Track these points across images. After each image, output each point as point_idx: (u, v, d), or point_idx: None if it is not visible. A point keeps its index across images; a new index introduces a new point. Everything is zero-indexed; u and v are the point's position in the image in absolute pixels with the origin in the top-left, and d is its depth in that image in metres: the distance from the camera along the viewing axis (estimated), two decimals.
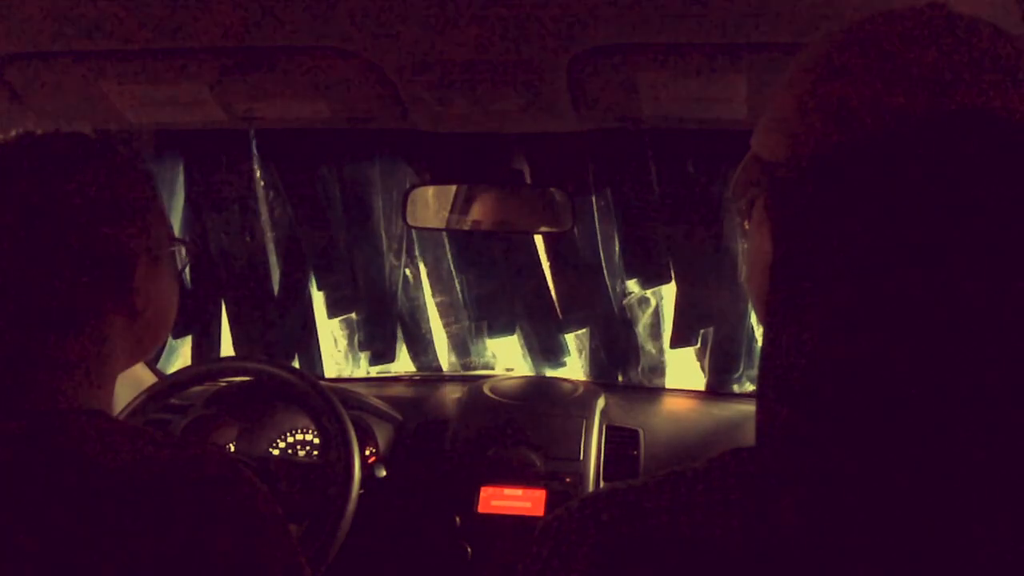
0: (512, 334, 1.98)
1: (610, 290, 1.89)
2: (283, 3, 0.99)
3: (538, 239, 1.91)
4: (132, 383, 1.61)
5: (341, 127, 1.41)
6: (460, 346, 2.03)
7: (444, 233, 1.91)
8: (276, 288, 1.97)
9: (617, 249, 1.87)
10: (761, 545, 0.49)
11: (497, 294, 1.95)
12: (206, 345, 1.99)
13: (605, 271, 1.88)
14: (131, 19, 1.03)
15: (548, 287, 1.93)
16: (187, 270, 1.93)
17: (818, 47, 0.55)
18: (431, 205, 1.66)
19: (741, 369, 1.86)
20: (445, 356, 2.05)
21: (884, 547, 0.46)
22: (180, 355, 2.02)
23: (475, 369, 2.03)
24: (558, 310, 1.93)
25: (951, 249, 0.45)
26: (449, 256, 1.96)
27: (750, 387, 1.86)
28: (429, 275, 1.99)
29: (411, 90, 1.21)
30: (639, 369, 1.92)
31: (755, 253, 0.58)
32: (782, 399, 0.50)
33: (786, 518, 0.49)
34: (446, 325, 2.02)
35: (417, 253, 1.99)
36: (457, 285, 1.97)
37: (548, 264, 1.91)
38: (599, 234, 1.86)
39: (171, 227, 1.83)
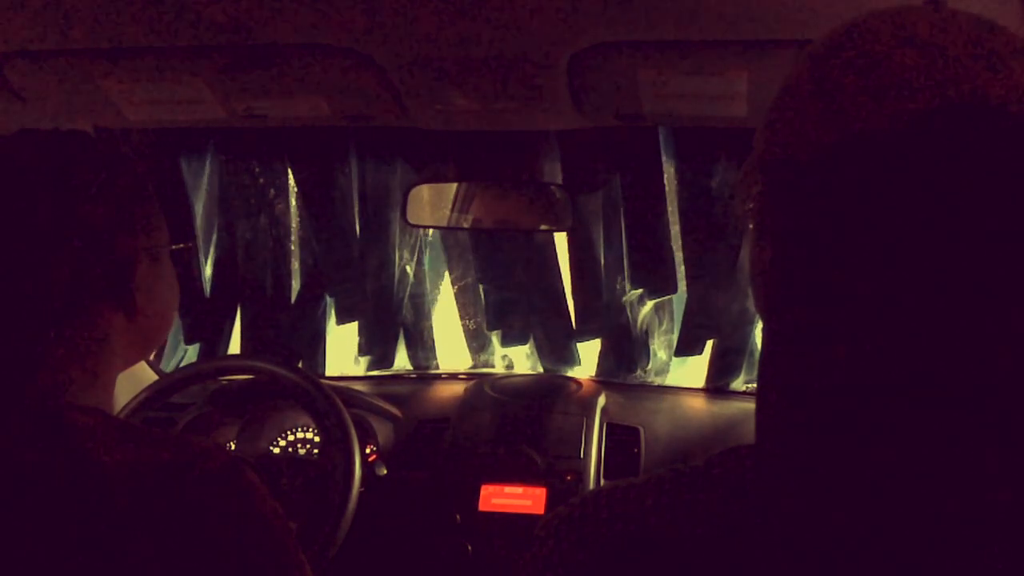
0: (526, 343, 1.99)
1: (624, 295, 1.88)
2: (283, 0, 0.99)
3: (561, 248, 1.90)
4: (132, 381, 1.61)
5: (341, 125, 1.41)
6: (477, 349, 2.03)
7: (469, 240, 1.91)
8: (286, 290, 1.95)
9: (624, 255, 1.85)
10: (761, 544, 0.49)
11: (514, 303, 1.94)
12: (214, 344, 1.99)
13: (627, 276, 1.86)
14: (131, 17, 1.03)
15: (565, 297, 1.91)
16: (203, 272, 1.92)
17: (816, 46, 0.55)
18: (431, 203, 1.66)
19: (743, 368, 1.86)
20: (450, 355, 2.05)
21: (883, 549, 0.46)
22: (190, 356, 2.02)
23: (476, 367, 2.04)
24: (573, 321, 1.92)
25: (949, 247, 0.44)
26: (473, 262, 1.95)
27: (750, 385, 1.86)
28: (453, 282, 1.99)
29: (411, 88, 1.21)
30: (647, 370, 1.92)
31: (756, 253, 0.58)
32: (781, 397, 0.50)
33: (786, 517, 0.48)
34: (465, 326, 2.03)
35: (426, 260, 1.98)
36: (481, 292, 1.97)
37: (570, 272, 1.89)
38: (621, 236, 1.83)
39: (195, 223, 1.84)
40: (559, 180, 1.73)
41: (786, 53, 1.01)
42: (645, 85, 1.16)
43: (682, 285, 1.85)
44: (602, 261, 1.85)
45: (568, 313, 1.91)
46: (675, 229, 1.84)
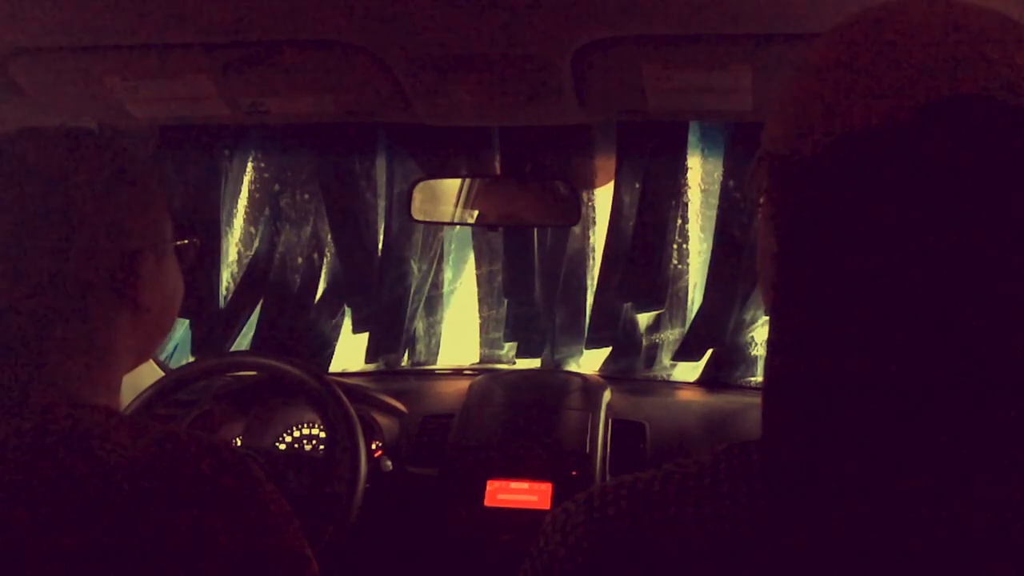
0: (539, 356, 1.98)
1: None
2: None
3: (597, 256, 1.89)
4: (137, 378, 1.62)
5: (344, 121, 1.40)
6: (489, 344, 2.04)
7: (502, 249, 1.90)
8: (307, 293, 1.95)
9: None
10: (766, 541, 0.48)
11: (535, 318, 1.94)
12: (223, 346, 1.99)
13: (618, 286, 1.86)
14: (135, 13, 1.03)
15: (585, 310, 1.91)
16: (220, 273, 1.92)
17: (822, 39, 0.55)
18: (436, 199, 1.65)
19: (742, 366, 1.86)
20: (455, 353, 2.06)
21: (888, 545, 0.46)
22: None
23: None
24: (586, 332, 1.92)
25: (952, 239, 0.44)
26: (501, 272, 1.95)
27: (756, 379, 1.85)
28: (477, 278, 1.99)
29: (415, 83, 1.21)
30: (652, 368, 1.92)
31: (763, 246, 0.58)
32: (787, 391, 0.50)
33: (791, 514, 0.48)
34: (481, 321, 2.03)
35: (449, 258, 1.99)
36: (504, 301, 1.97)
37: (598, 276, 1.88)
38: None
39: (219, 219, 1.84)
40: (558, 173, 1.72)
41: (791, 47, 1.01)
42: (649, 80, 1.16)
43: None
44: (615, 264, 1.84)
45: (584, 326, 1.91)
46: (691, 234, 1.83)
